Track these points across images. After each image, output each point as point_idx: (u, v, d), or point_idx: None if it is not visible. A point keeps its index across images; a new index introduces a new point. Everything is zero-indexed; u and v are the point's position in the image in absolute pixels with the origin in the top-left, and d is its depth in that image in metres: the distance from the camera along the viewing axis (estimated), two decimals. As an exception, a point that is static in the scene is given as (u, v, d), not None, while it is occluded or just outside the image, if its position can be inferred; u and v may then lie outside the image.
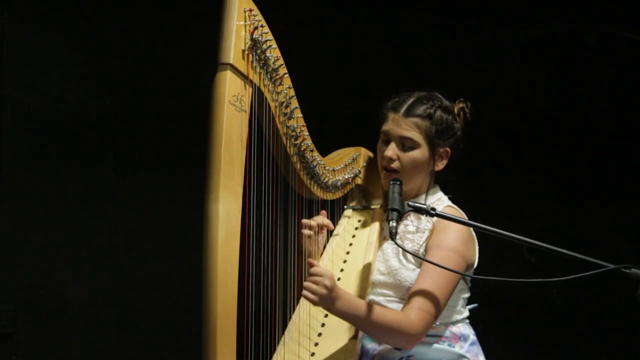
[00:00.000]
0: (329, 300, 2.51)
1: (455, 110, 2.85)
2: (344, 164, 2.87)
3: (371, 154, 2.94)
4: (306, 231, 2.82)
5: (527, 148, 4.72)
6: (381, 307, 2.64)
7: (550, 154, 4.73)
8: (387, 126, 2.79)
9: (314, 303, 2.52)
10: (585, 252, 2.49)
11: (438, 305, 2.62)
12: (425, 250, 2.71)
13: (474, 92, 2.95)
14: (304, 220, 2.82)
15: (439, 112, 2.79)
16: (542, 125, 4.75)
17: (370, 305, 2.59)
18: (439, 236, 2.70)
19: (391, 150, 2.77)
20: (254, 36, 2.47)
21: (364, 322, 2.57)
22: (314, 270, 2.53)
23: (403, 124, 2.76)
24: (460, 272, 2.66)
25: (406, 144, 2.77)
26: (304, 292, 2.52)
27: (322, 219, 2.87)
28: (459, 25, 4.65)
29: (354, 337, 2.66)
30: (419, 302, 2.60)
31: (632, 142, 4.74)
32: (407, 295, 2.68)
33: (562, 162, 4.73)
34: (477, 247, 2.76)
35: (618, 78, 4.73)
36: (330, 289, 2.51)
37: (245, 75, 2.46)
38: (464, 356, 2.71)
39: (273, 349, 2.63)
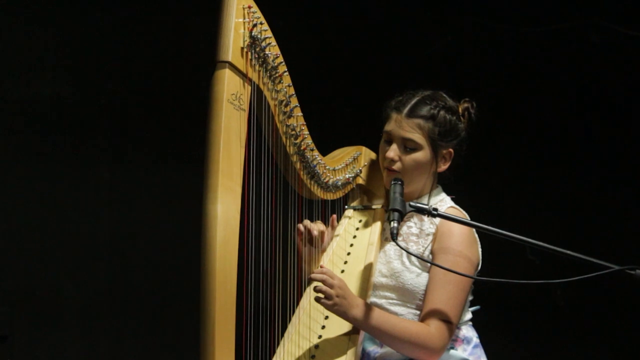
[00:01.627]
0: (343, 307, 2.52)
1: (460, 111, 2.81)
2: (344, 164, 2.84)
3: (373, 153, 2.91)
4: (300, 227, 2.77)
5: (529, 148, 4.69)
6: (401, 318, 2.64)
7: (553, 154, 4.71)
8: (390, 126, 2.76)
9: (329, 308, 2.53)
10: (589, 253, 2.47)
11: (456, 314, 2.62)
12: (432, 255, 2.69)
13: (475, 91, 2.91)
14: (300, 225, 2.77)
15: (442, 113, 2.74)
16: (544, 125, 4.72)
17: (390, 315, 2.60)
18: (444, 240, 2.68)
19: (393, 151, 2.74)
20: (253, 33, 2.45)
21: (384, 334, 2.57)
22: (325, 276, 2.52)
23: (405, 125, 2.73)
24: (474, 277, 2.65)
25: (408, 146, 2.73)
26: (319, 298, 2.52)
27: (315, 227, 2.78)
28: (460, 23, 4.63)
29: (355, 332, 2.64)
30: (437, 315, 2.59)
31: (636, 142, 4.71)
32: (409, 298, 2.67)
33: (565, 162, 4.70)
34: (480, 248, 2.73)
35: (623, 77, 4.70)
36: (343, 296, 2.52)
37: (244, 74, 2.43)
38: (466, 359, 2.68)
39: (272, 351, 2.61)
